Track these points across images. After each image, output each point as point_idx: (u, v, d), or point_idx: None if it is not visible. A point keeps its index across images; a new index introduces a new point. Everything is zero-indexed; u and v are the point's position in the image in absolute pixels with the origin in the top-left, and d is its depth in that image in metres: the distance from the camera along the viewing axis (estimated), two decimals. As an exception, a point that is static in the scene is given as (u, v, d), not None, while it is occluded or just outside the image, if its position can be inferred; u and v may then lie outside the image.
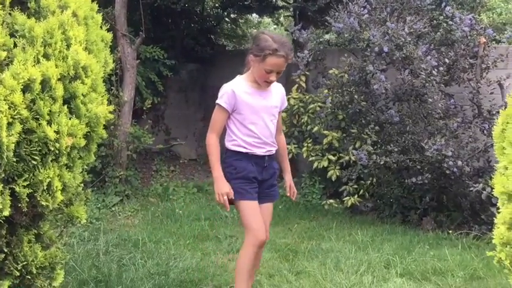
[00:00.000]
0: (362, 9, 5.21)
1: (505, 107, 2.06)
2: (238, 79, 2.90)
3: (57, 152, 2.16)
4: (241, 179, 2.84)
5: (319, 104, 6.05)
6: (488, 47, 5.34)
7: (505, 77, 5.17)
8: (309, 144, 6.01)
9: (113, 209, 5.43)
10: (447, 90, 5.48)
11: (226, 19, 9.87)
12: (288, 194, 3.13)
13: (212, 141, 2.84)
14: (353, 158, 5.49)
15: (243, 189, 2.82)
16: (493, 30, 5.54)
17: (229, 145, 2.89)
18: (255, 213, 2.83)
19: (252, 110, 2.84)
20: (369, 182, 5.53)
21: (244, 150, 2.85)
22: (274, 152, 2.97)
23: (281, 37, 2.87)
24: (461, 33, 5.22)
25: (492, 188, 3.92)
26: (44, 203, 2.19)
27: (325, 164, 5.83)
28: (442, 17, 5.36)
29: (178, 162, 7.70)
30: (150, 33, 7.02)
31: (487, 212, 4.82)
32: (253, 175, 2.86)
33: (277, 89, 3.00)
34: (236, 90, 2.82)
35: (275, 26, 12.74)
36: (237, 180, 2.83)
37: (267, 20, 12.03)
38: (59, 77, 2.19)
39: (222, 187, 2.77)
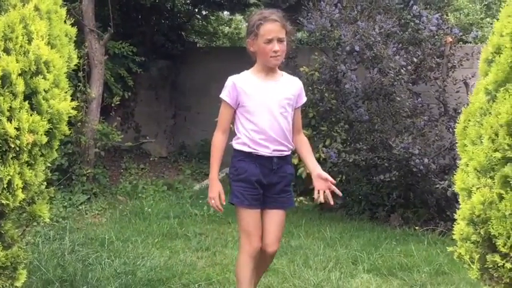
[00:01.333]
0: (333, 8, 5.24)
1: (468, 105, 2.10)
2: (244, 71, 2.73)
3: (17, 149, 2.11)
4: (242, 181, 2.64)
5: (289, 101, 6.06)
6: (455, 46, 5.45)
7: (470, 76, 5.28)
8: (279, 142, 6.01)
9: (80, 207, 5.33)
10: (414, 89, 5.56)
11: (197, 16, 9.81)
12: (319, 190, 2.69)
13: (215, 140, 2.69)
14: (323, 156, 5.53)
15: (241, 195, 2.63)
16: (459, 30, 5.65)
17: (234, 144, 2.70)
18: (252, 221, 2.63)
19: (256, 102, 2.62)
20: (339, 179, 5.57)
21: (247, 150, 2.63)
22: (286, 153, 2.69)
23: (270, 10, 2.73)
24: (428, 33, 5.31)
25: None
26: (4, 202, 2.14)
27: (296, 161, 5.84)
28: (409, 16, 5.45)
29: (148, 160, 7.62)
30: (119, 29, 6.93)
31: (452, 208, 4.91)
32: (255, 178, 2.62)
33: (292, 82, 2.78)
34: (237, 81, 2.65)
35: (246, 24, 12.73)
36: (237, 183, 2.66)
37: (238, 17, 12.01)
38: (19, 72, 2.14)
39: (211, 190, 2.65)
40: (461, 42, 5.99)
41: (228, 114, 2.68)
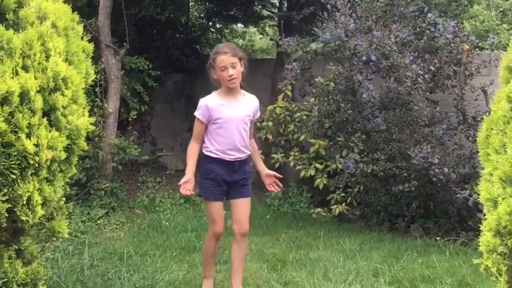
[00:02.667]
0: (348, 18, 5.23)
1: (489, 113, 2.06)
2: (213, 94, 3.29)
3: (36, 165, 2.12)
4: (210, 180, 3.28)
5: (306, 112, 6.05)
6: (472, 53, 5.39)
7: (488, 83, 5.21)
8: (296, 153, 5.99)
9: (98, 222, 5.35)
10: (432, 97, 5.51)
11: (212, 29, 9.88)
12: (268, 185, 3.47)
13: (191, 147, 3.29)
14: (340, 166, 5.49)
15: (209, 190, 3.29)
16: (476, 37, 5.59)
17: (204, 150, 3.31)
18: (216, 211, 3.31)
19: (224, 119, 3.22)
20: (356, 190, 5.53)
21: (214, 156, 3.26)
22: (245, 157, 3.32)
23: (223, 44, 3.38)
24: (444, 41, 5.27)
25: (478, 194, 3.93)
26: (23, 218, 2.15)
27: (312, 172, 5.82)
28: (424, 24, 5.40)
29: (164, 173, 7.62)
30: (134, 44, 6.99)
31: (474, 218, 4.83)
32: (221, 177, 3.27)
33: (250, 100, 3.36)
34: (209, 103, 3.23)
35: (260, 36, 12.79)
36: (206, 181, 3.30)
37: (252, 29, 12.06)
38: (38, 89, 2.16)
39: (184, 179, 3.22)
40: (477, 49, 5.93)
41: (201, 129, 3.29)
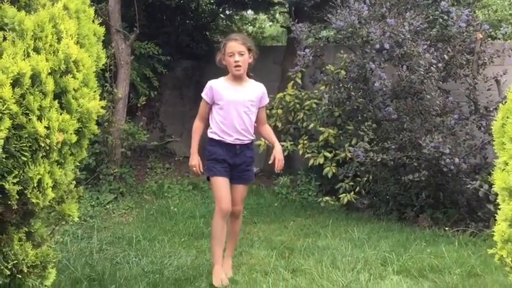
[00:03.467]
0: (362, 5, 5.16)
1: (505, 102, 2.02)
2: (221, 78, 3.48)
3: (47, 148, 2.11)
4: (213, 160, 3.43)
5: (315, 100, 6.01)
6: (485, 43, 5.32)
7: (501, 73, 5.14)
8: (305, 141, 5.97)
9: (107, 206, 5.37)
10: (444, 86, 5.45)
11: (221, 15, 9.79)
12: (271, 161, 3.53)
13: (195, 125, 3.53)
14: (349, 155, 5.46)
15: (214, 167, 3.41)
16: (489, 26, 5.51)
17: (208, 133, 3.48)
18: (222, 187, 3.39)
19: (227, 101, 3.39)
20: (365, 179, 5.50)
21: (217, 138, 3.42)
22: (247, 141, 3.47)
23: (235, 33, 3.65)
24: (457, 29, 5.19)
25: (489, 185, 3.90)
26: (34, 201, 2.14)
27: (321, 161, 5.80)
28: (437, 13, 5.33)
29: (173, 160, 7.64)
30: (144, 29, 6.96)
31: (483, 209, 4.80)
32: (222, 157, 3.41)
33: (256, 87, 3.52)
34: (214, 85, 3.42)
35: (270, 23, 12.68)
36: (209, 161, 3.44)
37: (262, 16, 11.97)
38: (49, 71, 2.15)
39: (192, 159, 3.46)
40: (490, 39, 5.85)
41: (205, 108, 3.49)
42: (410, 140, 5.01)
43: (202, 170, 3.48)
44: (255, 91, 3.50)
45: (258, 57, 3.52)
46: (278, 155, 3.50)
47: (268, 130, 3.69)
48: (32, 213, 2.36)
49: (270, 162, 3.56)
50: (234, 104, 3.39)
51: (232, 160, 3.44)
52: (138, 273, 3.45)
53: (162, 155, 7.74)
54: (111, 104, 5.78)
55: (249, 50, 3.41)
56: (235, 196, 3.51)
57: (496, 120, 2.06)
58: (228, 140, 3.41)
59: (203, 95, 3.47)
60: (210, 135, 3.47)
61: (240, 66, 3.36)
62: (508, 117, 1.92)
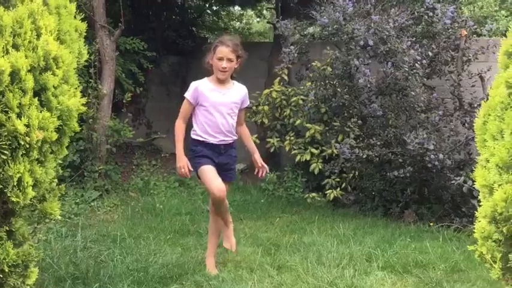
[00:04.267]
0: (347, 2, 5.16)
1: (487, 99, 2.03)
2: (205, 79, 3.48)
3: (27, 146, 2.09)
4: (199, 155, 3.43)
5: (302, 97, 6.01)
6: (470, 39, 5.35)
7: (485, 70, 5.18)
8: (292, 138, 5.97)
9: (92, 204, 5.33)
10: (428, 83, 5.48)
11: (208, 11, 9.78)
12: (256, 172, 3.67)
13: (177, 125, 3.46)
14: (335, 152, 5.47)
15: (200, 160, 3.41)
16: (474, 23, 5.54)
17: (191, 134, 3.47)
18: (211, 175, 3.37)
19: (211, 103, 3.41)
20: (351, 175, 5.52)
21: (200, 139, 3.43)
22: (230, 141, 3.51)
23: (229, 37, 3.53)
24: (442, 26, 5.22)
25: (473, 181, 3.92)
26: (14, 199, 2.12)
27: (308, 157, 5.80)
28: (422, 9, 5.35)
29: (159, 156, 7.60)
30: (130, 25, 6.91)
31: (467, 204, 4.84)
32: (206, 154, 3.42)
33: (239, 89, 3.56)
34: (200, 87, 3.42)
35: (258, 19, 12.67)
36: (195, 158, 3.44)
37: (249, 12, 11.95)
38: (28, 68, 2.12)
39: (180, 161, 3.39)
40: (475, 36, 5.89)
41: (188, 109, 3.47)
42: (395, 136, 5.04)
43: (191, 169, 3.42)
44: (238, 93, 3.54)
45: (244, 59, 3.54)
46: (259, 162, 3.62)
47: (246, 132, 3.74)
48: (12, 212, 2.33)
49: (255, 173, 3.70)
50: (219, 106, 3.42)
51: (218, 159, 3.46)
52: (122, 271, 3.42)
53: (148, 152, 7.70)
54: (95, 101, 5.73)
55: (238, 57, 3.44)
56: None
57: (478, 117, 2.07)
58: (212, 140, 3.43)
59: (187, 95, 3.45)
60: (193, 136, 3.47)
61: (226, 71, 3.41)
62: (489, 115, 1.93)
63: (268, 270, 3.57)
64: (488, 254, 1.76)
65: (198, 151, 3.44)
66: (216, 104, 3.42)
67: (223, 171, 3.49)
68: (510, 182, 1.69)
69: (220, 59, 3.38)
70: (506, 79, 1.83)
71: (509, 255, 1.69)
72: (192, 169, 3.43)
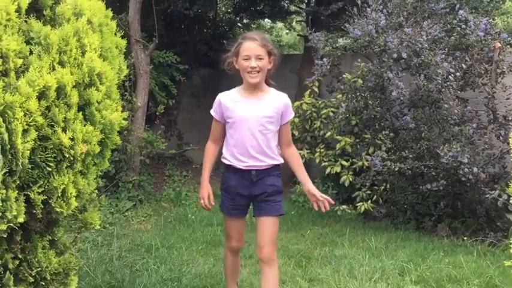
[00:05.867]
0: (379, 14, 5.18)
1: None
2: (233, 89, 2.89)
3: (71, 158, 2.17)
4: (224, 191, 2.90)
5: (332, 109, 6.03)
6: (503, 51, 5.28)
7: (521, 82, 5.11)
8: (322, 150, 5.98)
9: (126, 214, 5.45)
10: (462, 95, 5.43)
11: (239, 24, 9.91)
12: (315, 207, 2.85)
13: (207, 147, 2.95)
14: (366, 164, 5.46)
15: (223, 203, 2.92)
16: (508, 35, 5.48)
17: (221, 157, 2.90)
18: (230, 226, 2.94)
19: (236, 119, 2.78)
20: (383, 187, 5.49)
21: (227, 162, 2.84)
22: (265, 167, 2.79)
23: (254, 32, 2.91)
24: (475, 38, 5.17)
25: (509, 195, 3.86)
26: (58, 210, 2.20)
27: (338, 169, 5.80)
28: (455, 21, 5.32)
29: (190, 167, 7.70)
30: (163, 39, 7.05)
31: (502, 218, 4.76)
32: (234, 190, 2.83)
33: (275, 98, 2.83)
34: (223, 98, 2.85)
35: (287, 31, 12.74)
36: (222, 192, 2.92)
37: (279, 25, 12.04)
38: (74, 84, 2.20)
39: (201, 191, 2.88)
40: (509, 46, 5.81)
41: (217, 128, 2.90)
42: (428, 149, 5.00)
43: (212, 204, 2.87)
44: (273, 104, 2.80)
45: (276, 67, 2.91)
46: (318, 195, 2.81)
47: (294, 155, 2.93)
48: (55, 222, 2.41)
49: (314, 207, 2.87)
50: (247, 122, 2.75)
51: (248, 190, 2.81)
52: (157, 281, 3.50)
53: (180, 163, 7.82)
54: (130, 113, 5.87)
55: (269, 53, 2.77)
56: (261, 234, 2.80)
57: (514, 132, 2.06)
58: (239, 166, 2.78)
59: (212, 112, 2.89)
60: (222, 159, 2.89)
61: (257, 72, 2.72)
62: (526, 130, 1.92)
63: (300, 283, 3.58)
64: (527, 270, 1.75)
65: (224, 181, 2.88)
66: (243, 119, 2.75)
67: (259, 202, 2.82)
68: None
69: (247, 58, 2.72)
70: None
71: (548, 272, 1.67)
72: (212, 203, 2.86)
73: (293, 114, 2.94)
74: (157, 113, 6.59)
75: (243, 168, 2.77)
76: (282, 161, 2.87)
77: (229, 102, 2.81)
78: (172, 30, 8.13)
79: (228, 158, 2.82)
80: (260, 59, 2.72)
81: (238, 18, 9.57)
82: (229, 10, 9.73)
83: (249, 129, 2.75)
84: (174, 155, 7.60)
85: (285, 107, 2.84)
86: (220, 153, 2.93)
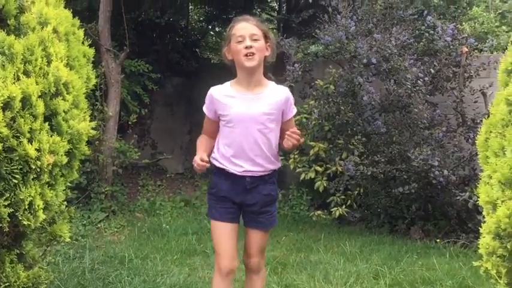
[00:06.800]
0: (349, 21, 5.25)
1: (488, 116, 2.07)
2: (226, 83, 2.54)
3: (38, 170, 2.13)
4: (213, 195, 2.53)
5: (305, 115, 6.06)
6: (471, 56, 5.40)
7: (487, 86, 5.22)
8: (296, 156, 6.00)
9: (99, 225, 5.36)
10: (431, 99, 5.52)
11: (211, 32, 9.91)
12: (285, 144, 2.46)
13: (200, 138, 2.61)
14: (340, 169, 5.50)
15: (212, 207, 2.52)
16: (475, 40, 5.61)
17: (211, 158, 2.53)
18: (221, 236, 2.47)
19: (231, 117, 2.43)
20: (356, 192, 5.53)
21: (218, 165, 2.49)
22: (262, 173, 2.46)
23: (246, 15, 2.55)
24: (443, 43, 5.28)
25: (478, 197, 3.93)
26: (25, 222, 2.16)
27: (312, 175, 5.83)
28: (424, 27, 5.42)
29: (165, 177, 7.65)
30: (134, 48, 7.01)
31: (473, 220, 4.84)
32: (223, 194, 2.48)
33: (275, 93, 2.47)
34: (215, 92, 2.50)
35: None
36: (210, 196, 2.56)
37: (251, 32, 12.10)
38: (39, 94, 2.17)
39: (195, 157, 2.46)
40: (477, 51, 5.94)
41: (209, 125, 2.58)
42: (399, 152, 5.06)
43: (207, 162, 2.43)
44: (274, 99, 2.45)
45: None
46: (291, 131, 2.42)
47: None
48: (23, 235, 2.37)
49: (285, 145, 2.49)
50: (244, 120, 2.41)
51: (241, 198, 2.47)
52: (130, 293, 3.44)
53: (154, 172, 7.75)
54: (101, 123, 5.80)
55: (266, 36, 2.44)
56: (250, 244, 2.55)
57: (480, 133, 2.10)
58: (234, 170, 2.44)
59: (204, 108, 2.56)
60: (212, 160, 2.52)
61: (252, 54, 2.36)
62: (491, 132, 1.96)
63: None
64: (493, 269, 1.78)
65: (213, 185, 2.54)
66: (239, 116, 2.41)
67: (252, 214, 2.51)
68: (513, 198, 1.72)
69: (241, 39, 2.38)
70: (506, 96, 1.87)
71: (515, 270, 1.71)
72: (207, 165, 2.43)
73: (295, 110, 2.57)
74: (129, 123, 6.52)
75: (237, 173, 2.43)
76: (280, 165, 2.61)
77: (223, 97, 2.46)
78: (144, 39, 8.07)
79: (220, 161, 2.48)
80: (256, 39, 2.38)
81: (210, 27, 9.58)
82: (201, 18, 9.74)
83: (246, 129, 2.41)
84: (148, 165, 7.52)
85: (287, 102, 2.49)
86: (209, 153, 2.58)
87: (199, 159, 2.41)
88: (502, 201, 1.75)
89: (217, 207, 2.50)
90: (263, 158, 2.46)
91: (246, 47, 2.36)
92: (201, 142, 2.58)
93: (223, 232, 2.47)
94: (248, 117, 2.40)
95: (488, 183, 1.87)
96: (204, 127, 2.62)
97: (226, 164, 2.46)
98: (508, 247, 1.71)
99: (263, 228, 2.54)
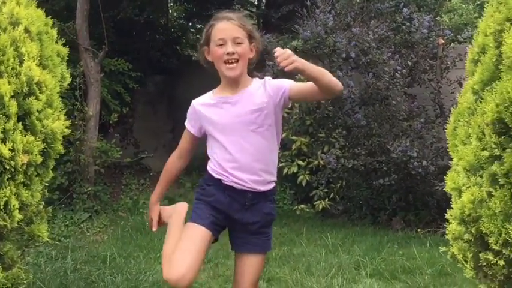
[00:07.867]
0: (328, 15, 5.28)
1: (456, 106, 2.12)
2: (208, 93, 2.30)
3: (13, 170, 2.13)
4: (206, 203, 2.21)
5: (286, 110, 6.08)
6: (447, 47, 5.47)
7: (464, 76, 5.27)
8: (278, 151, 6.01)
9: (82, 225, 5.34)
10: (409, 91, 5.59)
11: (191, 29, 9.88)
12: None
13: (168, 162, 2.37)
14: (322, 163, 5.54)
15: (199, 210, 2.20)
16: (453, 31, 5.68)
17: (207, 166, 2.26)
18: (189, 241, 2.12)
19: (216, 125, 2.17)
20: (339, 185, 5.58)
21: (216, 176, 2.19)
22: (263, 188, 2.18)
23: (228, 12, 2.25)
24: (420, 35, 5.35)
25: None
26: (1, 223, 2.15)
27: (295, 169, 5.85)
28: (401, 20, 5.48)
29: (148, 175, 7.62)
30: (114, 46, 6.96)
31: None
32: (221, 207, 2.18)
33: (256, 87, 2.17)
34: (196, 103, 2.26)
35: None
36: (200, 203, 2.23)
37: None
38: (12, 94, 2.17)
39: (150, 211, 2.44)
40: (456, 43, 6.02)
41: (186, 139, 2.32)
42: (379, 145, 5.12)
43: (157, 227, 2.45)
44: (257, 92, 2.15)
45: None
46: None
47: None
48: (0, 236, 2.36)
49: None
50: (234, 125, 2.14)
51: (238, 215, 2.18)
52: (113, 291, 3.45)
53: (137, 171, 7.72)
54: (82, 123, 5.76)
55: (250, 37, 2.16)
56: (242, 273, 2.22)
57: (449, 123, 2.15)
58: (231, 183, 2.15)
59: (186, 123, 2.31)
60: (208, 169, 2.24)
61: (235, 61, 2.09)
62: (459, 121, 2.00)
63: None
64: (460, 254, 1.83)
65: (209, 194, 2.21)
66: (226, 123, 2.15)
67: (250, 234, 2.20)
68: (477, 184, 1.76)
69: (222, 43, 2.10)
70: (471, 85, 1.92)
71: (480, 254, 1.76)
72: (156, 226, 2.45)
73: (287, 80, 2.21)
74: (111, 122, 6.49)
75: (238, 188, 2.15)
76: (276, 181, 2.27)
77: (203, 107, 2.22)
78: (124, 37, 8.02)
79: (218, 171, 2.18)
80: (239, 43, 2.10)
81: (190, 24, 9.55)
82: (181, 16, 9.70)
83: (240, 134, 2.13)
84: (131, 163, 7.50)
85: (267, 86, 2.16)
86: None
87: (154, 218, 2.40)
88: (467, 188, 1.80)
89: (206, 213, 2.17)
90: (263, 162, 2.17)
91: (228, 53, 2.09)
92: (165, 177, 2.38)
93: (196, 236, 2.12)
94: (238, 121, 2.13)
95: (455, 170, 1.91)
96: (180, 143, 2.34)
97: (227, 176, 2.17)
98: (473, 232, 1.76)
99: (259, 251, 2.21)
